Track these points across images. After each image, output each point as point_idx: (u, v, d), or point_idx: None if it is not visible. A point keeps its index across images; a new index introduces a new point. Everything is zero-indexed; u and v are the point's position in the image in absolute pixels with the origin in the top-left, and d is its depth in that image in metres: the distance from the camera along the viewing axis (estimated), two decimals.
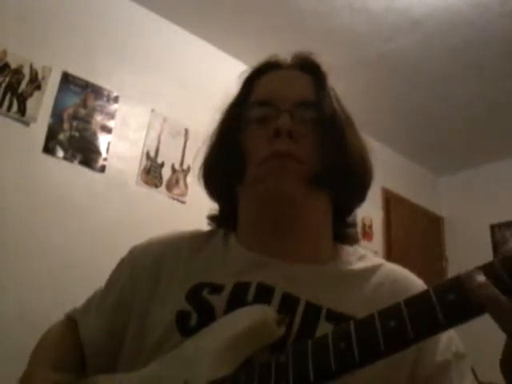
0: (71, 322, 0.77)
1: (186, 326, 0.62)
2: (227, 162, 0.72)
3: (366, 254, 0.72)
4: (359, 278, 0.67)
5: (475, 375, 0.61)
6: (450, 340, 0.62)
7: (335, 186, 0.69)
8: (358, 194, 0.74)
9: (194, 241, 0.75)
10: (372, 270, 0.68)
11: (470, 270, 0.44)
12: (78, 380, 0.68)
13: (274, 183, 0.65)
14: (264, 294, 0.62)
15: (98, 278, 0.87)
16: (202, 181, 0.77)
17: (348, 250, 0.73)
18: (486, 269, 0.44)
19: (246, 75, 0.79)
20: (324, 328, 0.58)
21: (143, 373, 0.61)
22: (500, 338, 0.45)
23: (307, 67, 0.76)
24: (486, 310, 0.42)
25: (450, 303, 0.43)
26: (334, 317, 0.60)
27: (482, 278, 0.42)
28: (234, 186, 0.73)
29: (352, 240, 0.76)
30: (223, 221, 0.77)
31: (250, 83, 0.77)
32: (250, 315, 0.59)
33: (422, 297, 0.46)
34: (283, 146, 0.66)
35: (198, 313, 0.62)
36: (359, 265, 0.69)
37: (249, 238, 0.71)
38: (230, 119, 0.75)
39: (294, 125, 0.67)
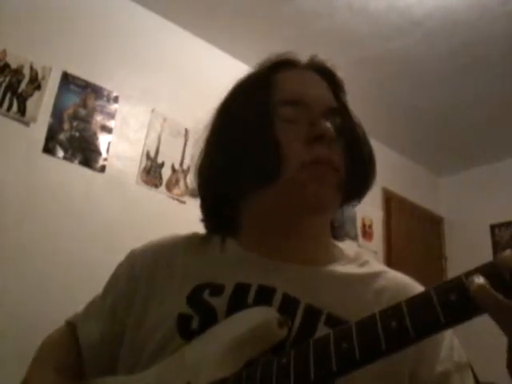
0: (71, 327, 0.77)
1: (187, 330, 0.61)
2: (258, 160, 0.67)
3: (369, 260, 0.72)
4: (360, 283, 0.66)
5: (475, 376, 0.61)
6: (451, 349, 0.61)
7: (350, 193, 0.71)
8: (361, 197, 0.75)
9: (192, 243, 0.74)
10: (374, 276, 0.67)
11: (470, 271, 0.45)
12: (78, 382, 0.68)
13: (317, 188, 0.65)
14: (264, 295, 0.62)
15: (98, 277, 0.87)
16: (201, 180, 0.73)
17: (352, 253, 0.73)
18: (486, 269, 0.44)
19: (261, 68, 0.76)
20: (323, 332, 0.57)
21: (145, 375, 0.61)
22: (500, 337, 0.45)
23: (325, 73, 0.76)
24: (486, 311, 0.42)
25: (451, 303, 0.43)
26: (333, 322, 0.59)
27: (481, 279, 0.43)
28: (240, 187, 0.70)
29: (341, 236, 0.77)
30: (222, 224, 0.74)
31: (266, 77, 0.73)
32: (252, 317, 0.58)
33: (422, 297, 0.46)
34: (325, 152, 0.65)
35: (199, 316, 0.62)
36: (361, 270, 0.69)
37: (249, 240, 0.70)
38: (253, 114, 0.69)
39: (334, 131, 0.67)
